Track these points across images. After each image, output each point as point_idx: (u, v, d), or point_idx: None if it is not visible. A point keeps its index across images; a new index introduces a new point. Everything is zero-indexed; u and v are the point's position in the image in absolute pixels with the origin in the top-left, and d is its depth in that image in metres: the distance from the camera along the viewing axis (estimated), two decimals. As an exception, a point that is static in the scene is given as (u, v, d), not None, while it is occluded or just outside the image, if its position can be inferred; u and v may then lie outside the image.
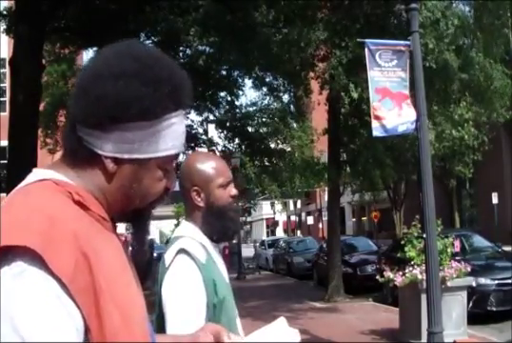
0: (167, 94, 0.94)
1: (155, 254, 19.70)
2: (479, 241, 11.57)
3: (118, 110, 0.91)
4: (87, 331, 0.84)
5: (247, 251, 31.52)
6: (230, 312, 1.78)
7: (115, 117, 0.92)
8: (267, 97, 19.01)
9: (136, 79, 0.92)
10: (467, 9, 12.44)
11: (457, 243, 8.59)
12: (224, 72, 16.57)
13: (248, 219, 56.28)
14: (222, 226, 1.84)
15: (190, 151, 18.30)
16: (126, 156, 0.94)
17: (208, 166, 1.84)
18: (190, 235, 1.80)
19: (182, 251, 1.73)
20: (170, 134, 0.97)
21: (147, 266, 14.45)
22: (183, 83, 0.99)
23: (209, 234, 1.84)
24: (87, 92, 0.93)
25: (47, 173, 0.94)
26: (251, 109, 20.52)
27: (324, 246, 16.01)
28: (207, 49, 15.69)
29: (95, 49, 11.75)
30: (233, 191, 1.88)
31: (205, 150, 19.24)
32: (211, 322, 1.53)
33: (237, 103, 18.83)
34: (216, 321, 1.62)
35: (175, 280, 1.71)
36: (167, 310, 1.69)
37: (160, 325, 1.70)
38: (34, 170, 0.96)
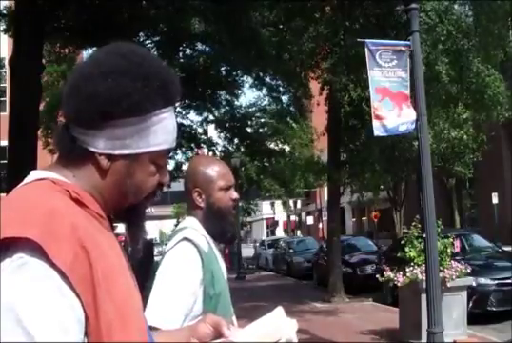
0: (155, 90, 0.97)
1: (155, 253, 19.77)
2: (479, 241, 11.57)
3: (109, 107, 0.94)
4: (86, 320, 0.86)
5: (247, 251, 31.53)
6: (226, 309, 1.79)
7: (107, 114, 0.94)
8: (267, 98, 19.04)
9: (125, 76, 0.95)
10: (465, 10, 12.43)
11: (457, 243, 8.60)
12: (223, 72, 16.57)
13: (248, 219, 56.25)
14: (221, 227, 1.88)
15: (190, 152, 18.34)
16: (118, 152, 0.97)
17: (211, 168, 1.88)
18: (194, 227, 1.84)
19: (185, 239, 1.76)
20: (161, 129, 1.00)
21: (147, 266, 14.44)
22: (171, 79, 1.01)
23: (208, 232, 1.87)
24: (78, 92, 0.95)
25: (44, 174, 0.97)
26: (251, 109, 20.56)
27: (324, 246, 16.01)
28: (207, 49, 15.71)
29: (95, 48, 11.74)
30: (234, 194, 1.92)
31: (205, 150, 19.27)
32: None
33: (237, 103, 18.87)
34: (211, 311, 1.63)
35: (171, 264, 1.74)
36: (153, 289, 1.71)
37: None
38: (32, 171, 0.98)
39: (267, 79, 16.84)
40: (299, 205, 51.23)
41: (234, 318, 1.86)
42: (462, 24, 10.93)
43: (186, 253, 1.74)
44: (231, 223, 1.93)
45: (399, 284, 7.57)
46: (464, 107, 13.45)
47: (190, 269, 1.72)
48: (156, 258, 17.31)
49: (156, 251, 21.83)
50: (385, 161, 14.30)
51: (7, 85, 18.12)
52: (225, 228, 1.89)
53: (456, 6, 11.72)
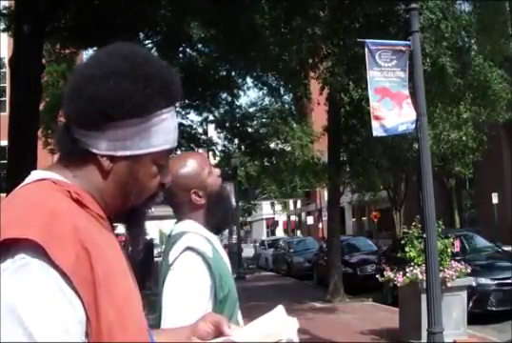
0: (157, 91, 0.97)
1: (155, 253, 19.77)
2: (479, 241, 11.57)
3: (111, 109, 0.94)
4: (87, 320, 0.86)
5: (247, 251, 31.51)
6: (233, 306, 1.78)
7: (108, 116, 0.94)
8: (267, 98, 19.04)
9: (127, 77, 0.95)
10: (467, 9, 12.44)
11: (457, 243, 8.59)
12: (224, 72, 16.57)
13: (248, 219, 56.27)
14: (224, 211, 1.90)
15: (190, 152, 18.31)
16: (119, 153, 0.97)
17: (189, 166, 1.87)
18: (194, 231, 1.81)
19: (188, 248, 1.73)
20: (162, 130, 0.99)
21: (147, 266, 14.45)
22: (172, 79, 1.01)
23: (213, 224, 1.87)
24: (79, 93, 0.95)
25: (45, 174, 0.96)
26: (251, 109, 20.57)
27: (324, 246, 16.01)
28: (207, 49, 15.70)
29: (95, 48, 11.76)
30: (217, 170, 1.92)
31: (205, 149, 19.27)
32: None
33: (237, 103, 18.86)
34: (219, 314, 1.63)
35: (178, 278, 1.71)
36: (164, 308, 1.69)
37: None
38: (32, 172, 0.98)
39: (268, 79, 16.84)
40: (299, 205, 51.25)
41: (239, 313, 1.84)
42: (464, 21, 10.92)
43: (191, 265, 1.71)
44: (229, 200, 1.94)
45: (399, 284, 7.56)
46: (467, 104, 13.44)
47: (199, 280, 1.69)
48: (156, 259, 17.31)
49: (156, 251, 21.81)
50: (386, 161, 14.31)
51: (7, 85, 18.14)
52: (226, 210, 1.91)
53: (456, 4, 11.74)
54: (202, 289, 1.70)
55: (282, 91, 17.43)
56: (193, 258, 1.72)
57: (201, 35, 13.07)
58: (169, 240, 1.83)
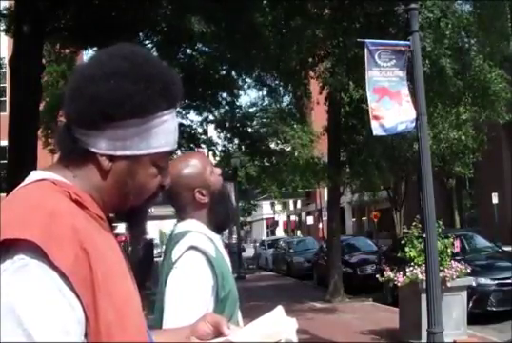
0: (157, 92, 0.97)
1: (155, 253, 19.80)
2: (479, 241, 11.58)
3: (112, 109, 0.94)
4: (86, 321, 0.86)
5: (247, 251, 31.54)
6: (233, 305, 1.78)
7: (109, 116, 0.94)
8: (267, 98, 19.03)
9: (127, 78, 0.95)
10: (467, 8, 12.44)
11: (457, 243, 8.59)
12: (224, 72, 16.56)
13: (248, 219, 56.22)
14: (226, 210, 1.91)
15: (190, 152, 18.29)
16: (119, 153, 0.97)
17: (192, 165, 1.88)
18: (197, 230, 1.81)
19: (192, 247, 1.73)
20: (163, 131, 0.99)
21: (147, 266, 14.46)
22: (173, 80, 1.02)
23: (215, 223, 1.88)
24: (80, 93, 0.96)
25: (45, 174, 0.97)
26: (251, 109, 20.57)
27: (324, 246, 16.02)
28: (207, 48, 15.69)
29: (95, 48, 11.77)
30: (218, 170, 1.94)
31: (205, 149, 19.26)
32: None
33: (237, 103, 18.86)
34: (219, 314, 1.63)
35: (181, 277, 1.71)
36: (166, 307, 1.69)
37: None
38: (32, 172, 0.99)
39: (268, 79, 16.83)
40: (299, 205, 51.25)
41: (239, 313, 1.84)
42: (464, 21, 10.93)
43: (195, 264, 1.71)
44: (230, 199, 1.97)
45: (399, 284, 7.57)
46: (468, 104, 13.44)
47: (202, 279, 1.70)
48: (156, 259, 17.34)
49: (156, 251, 21.83)
50: (386, 161, 14.32)
51: (7, 85, 18.13)
52: (228, 208, 1.92)
53: (456, 4, 11.73)
54: (204, 288, 1.70)
55: (282, 92, 17.42)
56: (197, 257, 1.72)
57: (202, 31, 13.06)
58: (171, 239, 1.83)
